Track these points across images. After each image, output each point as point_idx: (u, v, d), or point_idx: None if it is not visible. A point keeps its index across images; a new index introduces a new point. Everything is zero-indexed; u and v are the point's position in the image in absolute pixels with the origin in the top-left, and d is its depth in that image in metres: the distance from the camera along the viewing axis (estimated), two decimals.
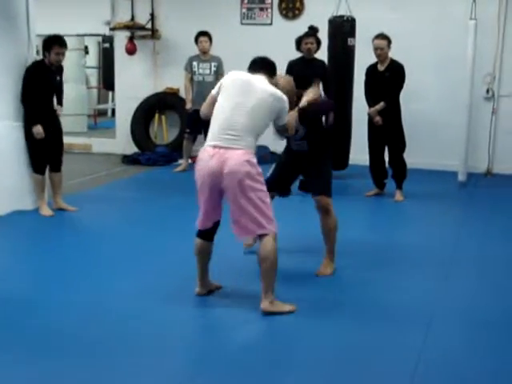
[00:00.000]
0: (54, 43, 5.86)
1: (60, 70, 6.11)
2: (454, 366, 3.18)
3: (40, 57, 6.13)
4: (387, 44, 6.50)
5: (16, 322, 3.60)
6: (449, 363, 3.19)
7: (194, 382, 3.02)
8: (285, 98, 3.95)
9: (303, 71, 6.75)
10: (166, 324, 3.61)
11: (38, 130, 5.83)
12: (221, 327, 3.70)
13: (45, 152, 6.01)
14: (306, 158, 4.51)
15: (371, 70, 6.71)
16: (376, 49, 6.53)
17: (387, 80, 6.54)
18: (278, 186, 4.74)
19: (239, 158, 3.65)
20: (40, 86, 5.89)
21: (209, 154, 3.75)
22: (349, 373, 3.11)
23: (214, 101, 3.92)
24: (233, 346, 3.39)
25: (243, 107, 3.76)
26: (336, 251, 4.60)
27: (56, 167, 6.14)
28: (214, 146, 3.74)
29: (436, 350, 3.31)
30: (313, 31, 6.77)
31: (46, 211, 6.00)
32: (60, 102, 6.16)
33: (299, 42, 6.75)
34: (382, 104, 6.54)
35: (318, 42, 6.78)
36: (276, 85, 4.09)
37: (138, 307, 3.81)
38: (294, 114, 4.20)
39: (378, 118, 6.58)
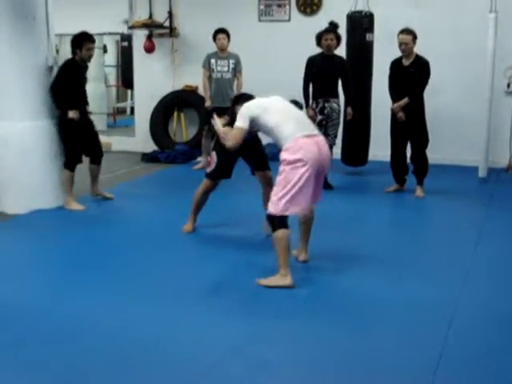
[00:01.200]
0: (84, 39, 6.06)
1: (86, 68, 6.31)
2: (476, 362, 3.15)
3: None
4: (412, 39, 6.42)
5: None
6: (470, 360, 3.17)
7: None
8: None
9: (323, 67, 6.74)
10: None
11: (73, 113, 6.00)
12: None
13: (79, 149, 6.20)
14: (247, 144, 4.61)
15: (396, 65, 6.62)
16: (401, 44, 6.46)
17: (412, 75, 6.47)
18: (223, 174, 5.29)
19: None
20: (73, 82, 6.08)
21: (307, 142, 4.09)
22: (367, 370, 3.09)
23: (245, 133, 4.28)
24: None
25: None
26: (357, 246, 4.69)
27: (97, 160, 6.39)
28: (308, 136, 4.13)
29: (458, 348, 3.28)
30: (333, 27, 6.74)
31: (76, 206, 6.15)
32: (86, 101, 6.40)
33: (319, 38, 6.73)
34: (405, 100, 6.48)
35: (338, 38, 6.75)
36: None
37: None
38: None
39: (401, 114, 6.53)
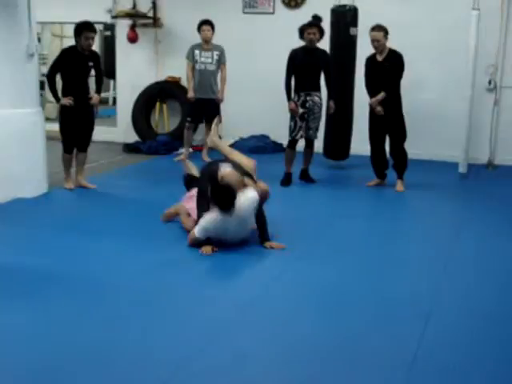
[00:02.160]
0: (82, 28, 6.22)
1: (94, 57, 6.48)
2: (453, 356, 3.16)
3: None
4: (384, 35, 6.46)
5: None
6: (448, 353, 3.18)
7: None
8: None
9: (305, 61, 6.73)
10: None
11: (65, 100, 6.25)
12: None
13: (73, 134, 6.43)
14: None
15: (370, 61, 6.68)
16: (373, 41, 6.51)
17: (387, 70, 6.52)
18: None
19: None
20: (68, 69, 6.26)
21: None
22: (346, 362, 3.10)
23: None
24: None
25: None
26: (336, 239, 4.73)
27: (83, 147, 6.61)
28: None
29: (434, 343, 3.28)
30: (316, 21, 6.73)
31: (68, 185, 6.55)
32: (98, 91, 6.57)
33: (302, 31, 6.71)
34: (382, 94, 6.52)
35: (321, 32, 6.74)
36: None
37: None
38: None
39: (379, 109, 6.57)
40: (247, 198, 4.59)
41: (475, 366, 3.09)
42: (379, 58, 6.58)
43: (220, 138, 8.99)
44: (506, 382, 2.98)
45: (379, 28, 6.48)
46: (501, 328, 3.51)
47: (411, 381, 2.92)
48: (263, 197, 4.91)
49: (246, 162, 5.18)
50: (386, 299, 3.87)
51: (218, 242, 4.64)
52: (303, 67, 6.76)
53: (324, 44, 7.07)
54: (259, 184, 4.96)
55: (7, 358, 3.07)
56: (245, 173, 4.92)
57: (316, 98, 6.83)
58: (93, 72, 6.54)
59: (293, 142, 6.88)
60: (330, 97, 6.97)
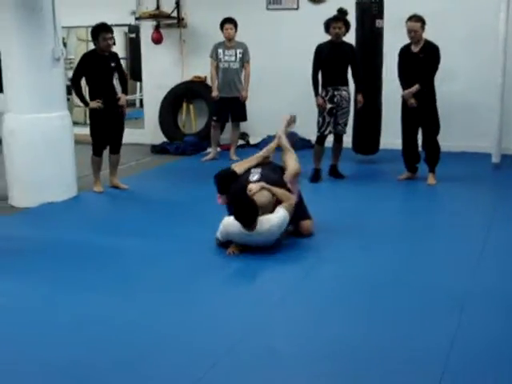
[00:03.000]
0: (99, 30, 6.30)
1: (115, 57, 6.51)
2: (488, 348, 3.10)
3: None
4: (421, 26, 6.34)
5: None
6: (483, 346, 3.13)
7: None
8: None
9: (332, 55, 6.66)
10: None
11: (94, 103, 6.31)
12: None
13: (104, 136, 6.47)
14: None
15: (405, 52, 6.54)
16: (410, 31, 6.37)
17: (422, 61, 6.38)
18: None
19: None
20: (91, 73, 6.32)
21: None
22: (381, 355, 3.05)
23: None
24: None
25: None
26: (369, 233, 4.78)
27: (115, 149, 6.65)
28: None
29: (470, 332, 3.25)
30: (342, 14, 6.64)
31: (96, 188, 6.52)
32: (125, 91, 6.59)
33: (328, 26, 6.63)
34: (417, 86, 6.39)
35: (347, 25, 6.65)
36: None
37: None
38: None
39: (412, 101, 6.43)
40: (271, 221, 4.42)
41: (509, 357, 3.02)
42: (414, 48, 6.45)
43: (247, 136, 9.04)
44: None
45: (417, 18, 6.35)
46: None
47: (448, 371, 2.87)
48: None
49: (293, 166, 4.99)
50: (420, 293, 3.82)
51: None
52: (330, 62, 6.68)
53: (350, 37, 6.98)
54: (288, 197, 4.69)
55: None
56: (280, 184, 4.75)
57: (344, 93, 6.75)
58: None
59: (321, 138, 6.80)
60: (358, 91, 6.88)
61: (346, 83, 6.78)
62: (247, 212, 4.36)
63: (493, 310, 3.58)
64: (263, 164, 5.03)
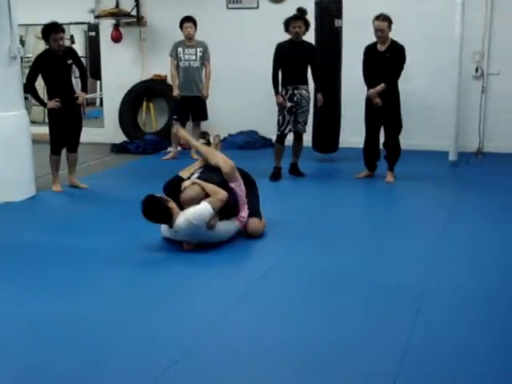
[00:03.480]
0: (49, 30, 6.16)
1: (71, 53, 6.44)
2: (445, 345, 3.15)
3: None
4: (388, 25, 6.40)
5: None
6: (439, 343, 3.16)
7: None
8: None
9: (292, 54, 6.69)
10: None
11: (51, 103, 6.23)
12: None
13: (62, 135, 6.39)
14: None
15: (371, 50, 6.58)
16: (377, 30, 6.42)
17: (388, 61, 6.44)
18: None
19: None
20: (46, 73, 6.22)
21: None
22: (336, 353, 3.09)
23: None
24: None
25: None
26: (327, 230, 4.80)
27: (72, 148, 6.58)
28: None
29: (425, 335, 3.26)
30: (301, 14, 6.68)
31: (56, 188, 6.47)
32: (84, 89, 6.64)
33: (287, 25, 6.67)
34: (382, 85, 6.45)
35: (307, 25, 6.69)
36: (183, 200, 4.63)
37: None
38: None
39: (377, 100, 6.50)
40: (187, 214, 4.45)
41: (466, 355, 3.07)
42: (381, 48, 6.50)
43: (208, 134, 9.03)
44: (497, 371, 2.95)
45: (384, 17, 6.40)
46: (491, 316, 3.50)
47: (403, 371, 2.89)
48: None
49: (223, 164, 4.98)
50: (376, 290, 3.86)
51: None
52: (290, 61, 6.71)
53: (309, 37, 7.02)
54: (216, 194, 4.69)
55: None
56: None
57: (304, 92, 6.79)
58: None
59: (281, 137, 6.84)
60: (318, 90, 6.93)
61: (305, 82, 6.83)
62: (152, 212, 4.47)
63: (449, 307, 3.62)
64: (207, 166, 5.06)
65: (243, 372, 2.96)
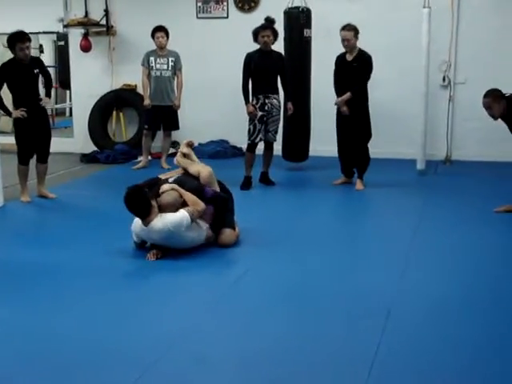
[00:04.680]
0: (15, 40, 6.07)
1: (37, 63, 6.37)
2: (414, 351, 3.18)
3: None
4: (354, 35, 6.50)
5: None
6: (408, 349, 3.20)
7: None
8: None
9: (261, 63, 6.73)
10: None
11: (17, 113, 6.15)
12: None
13: (30, 144, 6.32)
14: None
15: (340, 60, 6.69)
16: (343, 40, 6.53)
17: (355, 70, 6.54)
18: None
19: None
20: (14, 82, 6.15)
21: None
22: (309, 360, 3.10)
23: None
24: None
25: None
26: (295, 237, 4.87)
27: (42, 158, 6.51)
28: None
29: (394, 342, 3.29)
30: (269, 23, 6.73)
31: (25, 198, 6.38)
32: (48, 95, 6.48)
33: (256, 35, 6.71)
34: (348, 94, 6.54)
35: (275, 34, 6.74)
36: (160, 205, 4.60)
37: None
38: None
39: (344, 108, 6.58)
40: (165, 219, 4.45)
41: (436, 359, 3.10)
42: (349, 57, 6.61)
43: (179, 144, 9.01)
44: (466, 375, 2.99)
45: (349, 27, 6.50)
46: (460, 320, 3.55)
47: (374, 376, 2.92)
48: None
49: (203, 171, 5.07)
50: (347, 296, 3.89)
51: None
52: (260, 70, 6.75)
53: (279, 46, 7.07)
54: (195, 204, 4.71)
55: None
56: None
57: (274, 101, 6.83)
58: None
59: (252, 146, 6.86)
60: (287, 99, 6.98)
61: (276, 91, 6.86)
62: (134, 202, 4.46)
63: (418, 313, 3.65)
64: (186, 173, 5.10)
65: (213, 380, 2.95)
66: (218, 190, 4.99)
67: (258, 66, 6.73)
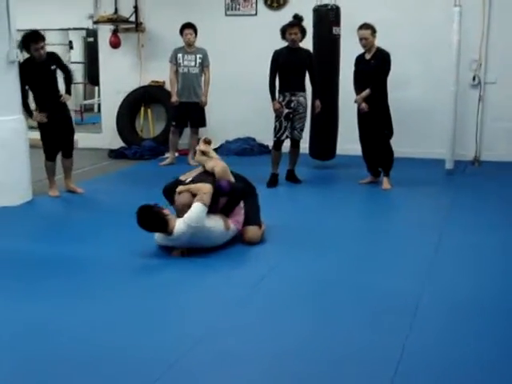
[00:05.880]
0: (29, 41, 6.08)
1: (54, 59, 6.35)
2: (440, 351, 3.15)
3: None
4: (371, 33, 6.49)
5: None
6: (434, 349, 3.17)
7: None
8: None
9: (289, 61, 6.72)
10: None
11: (36, 117, 6.27)
12: None
13: (54, 141, 6.40)
14: None
15: (359, 60, 6.72)
16: (361, 39, 6.55)
17: (373, 68, 6.53)
18: None
19: None
20: (32, 81, 6.19)
21: None
22: (332, 359, 3.09)
23: None
24: None
25: None
26: (321, 237, 4.85)
27: (67, 153, 6.59)
28: None
29: (421, 339, 3.28)
30: (297, 20, 6.72)
31: (53, 192, 6.47)
32: (68, 91, 6.47)
33: (284, 32, 6.70)
34: (367, 91, 6.53)
35: (303, 32, 6.72)
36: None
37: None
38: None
39: (363, 105, 6.57)
40: (185, 219, 4.45)
41: (461, 363, 3.07)
42: (367, 56, 6.62)
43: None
44: (492, 379, 2.95)
45: (366, 26, 6.51)
46: (486, 323, 3.50)
47: (400, 373, 2.90)
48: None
49: (217, 165, 5.11)
50: (373, 296, 3.86)
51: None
52: (287, 67, 6.74)
53: (307, 44, 7.05)
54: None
55: None
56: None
57: (301, 98, 6.81)
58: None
59: (278, 143, 6.85)
60: (315, 96, 6.95)
61: (302, 89, 6.84)
62: (148, 221, 4.46)
63: (445, 313, 3.63)
64: (205, 171, 5.11)
65: (239, 377, 2.96)
66: (257, 194, 5.04)
67: (285, 63, 6.72)
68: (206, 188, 4.61)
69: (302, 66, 6.81)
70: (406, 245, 4.91)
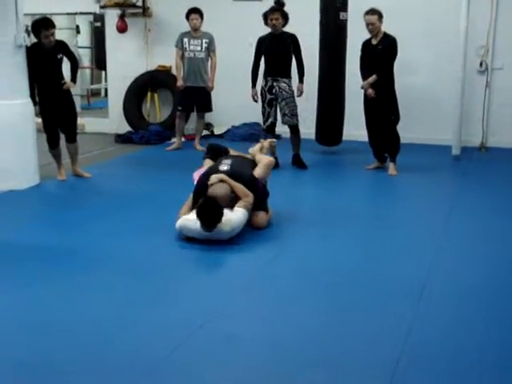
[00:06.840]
0: (40, 27, 6.09)
1: (61, 47, 6.34)
2: (445, 334, 3.18)
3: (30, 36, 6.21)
4: (378, 18, 6.47)
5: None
6: (440, 332, 3.20)
7: None
8: None
9: (271, 46, 6.79)
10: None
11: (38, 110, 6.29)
12: None
13: (56, 128, 6.44)
14: None
15: (365, 45, 6.70)
16: (367, 24, 6.52)
17: (380, 53, 6.52)
18: None
19: None
20: (37, 66, 6.17)
21: None
22: (339, 341, 3.12)
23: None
24: None
25: None
26: (328, 222, 4.87)
27: (71, 138, 6.60)
28: None
29: (427, 322, 3.32)
30: (278, 6, 6.74)
31: (61, 176, 6.55)
32: (73, 79, 6.47)
33: (266, 18, 6.73)
34: (374, 77, 6.52)
35: (285, 17, 6.74)
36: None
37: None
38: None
39: (370, 91, 6.56)
40: (232, 223, 4.45)
41: (467, 343, 3.10)
42: (374, 41, 6.60)
43: (212, 126, 9.07)
44: (498, 363, 2.98)
45: (373, 11, 6.48)
46: (491, 308, 3.53)
47: (403, 362, 2.92)
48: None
49: (266, 158, 5.24)
50: (379, 280, 3.88)
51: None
52: (269, 53, 6.81)
53: (314, 30, 7.03)
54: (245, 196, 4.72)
55: None
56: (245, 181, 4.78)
57: (282, 84, 6.81)
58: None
59: (267, 129, 6.92)
60: (300, 80, 6.90)
61: (286, 75, 6.81)
62: (212, 215, 4.38)
63: (450, 297, 3.65)
64: (238, 156, 5.17)
65: (241, 360, 2.99)
66: (266, 181, 5.09)
67: (267, 49, 6.79)
68: (251, 197, 4.67)
69: (284, 51, 6.80)
70: (413, 230, 4.92)
